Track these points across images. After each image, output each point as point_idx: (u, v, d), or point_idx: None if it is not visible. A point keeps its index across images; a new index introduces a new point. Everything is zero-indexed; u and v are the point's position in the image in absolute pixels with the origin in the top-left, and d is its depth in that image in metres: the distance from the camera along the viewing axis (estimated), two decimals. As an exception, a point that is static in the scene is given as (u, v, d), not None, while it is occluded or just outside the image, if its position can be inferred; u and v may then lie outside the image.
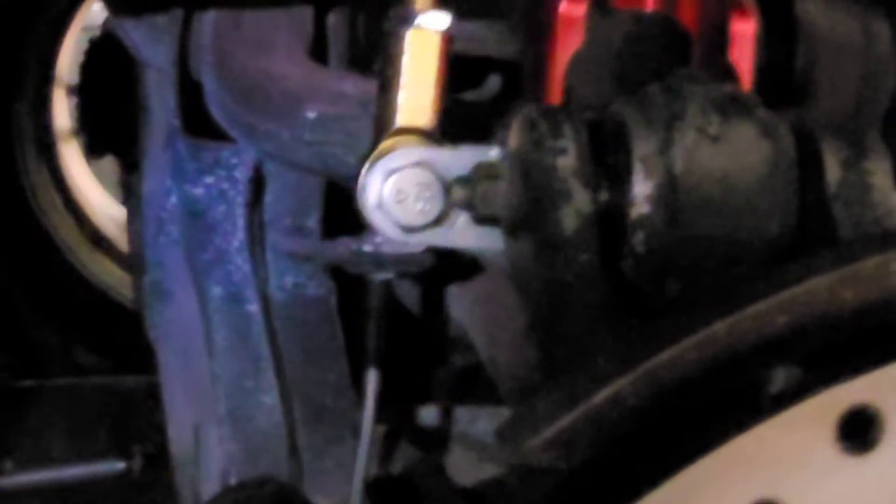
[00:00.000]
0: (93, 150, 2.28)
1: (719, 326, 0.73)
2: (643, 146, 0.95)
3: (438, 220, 1.04)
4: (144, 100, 1.60)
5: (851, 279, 0.73)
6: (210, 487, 1.48)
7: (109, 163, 2.31)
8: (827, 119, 1.18)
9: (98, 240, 2.64)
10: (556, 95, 1.11)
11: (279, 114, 1.28)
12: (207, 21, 1.36)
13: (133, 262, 1.69)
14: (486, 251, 1.08)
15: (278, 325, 1.45)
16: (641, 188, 0.95)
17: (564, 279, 0.95)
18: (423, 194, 1.03)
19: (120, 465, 2.01)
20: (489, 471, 1.06)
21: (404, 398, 1.48)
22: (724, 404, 0.73)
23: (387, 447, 1.49)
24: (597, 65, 1.12)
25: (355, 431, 1.39)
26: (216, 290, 1.45)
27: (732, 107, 0.96)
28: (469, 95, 1.33)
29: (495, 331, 1.30)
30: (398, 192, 1.04)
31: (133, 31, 1.47)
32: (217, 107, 1.34)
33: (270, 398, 1.46)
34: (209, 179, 1.43)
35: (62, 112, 2.65)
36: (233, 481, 1.44)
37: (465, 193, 1.01)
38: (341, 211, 1.26)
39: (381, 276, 1.35)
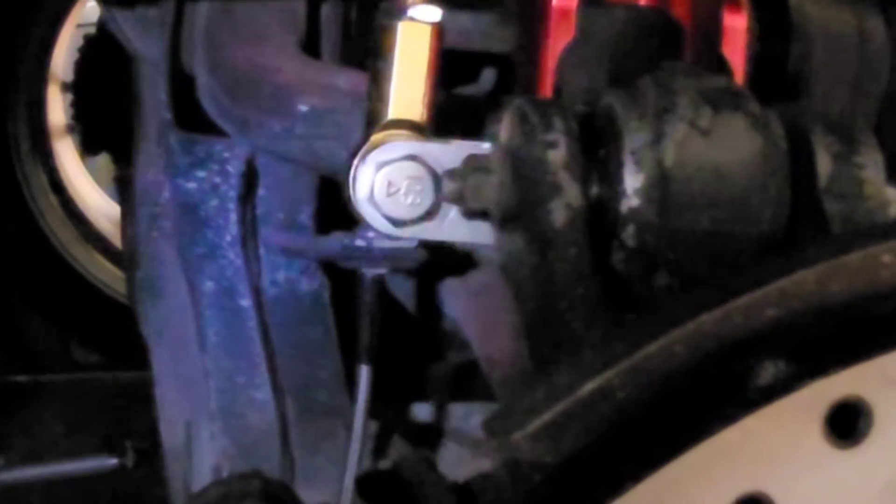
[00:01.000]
0: (88, 148, 2.28)
1: (707, 319, 0.72)
2: (634, 139, 0.95)
3: (429, 214, 1.03)
4: (138, 94, 1.59)
5: (839, 272, 0.72)
6: (202, 483, 1.48)
7: (104, 160, 2.31)
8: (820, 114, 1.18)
9: (93, 237, 2.64)
10: (547, 88, 1.11)
11: (271, 107, 1.28)
12: (199, 14, 1.36)
13: (126, 258, 1.68)
14: (477, 245, 1.07)
15: (271, 320, 1.45)
16: (632, 181, 0.94)
17: (554, 272, 0.95)
18: (413, 187, 1.03)
19: (113, 461, 2.01)
20: (481, 466, 1.05)
21: (398, 395, 1.47)
22: (712, 397, 0.72)
23: (380, 443, 1.48)
24: (589, 58, 1.12)
25: (348, 427, 1.39)
26: (208, 285, 1.45)
27: (723, 100, 0.95)
28: (465, 91, 1.33)
29: (490, 328, 1.30)
30: (389, 184, 1.03)
31: (125, 24, 1.46)
32: (209, 100, 1.34)
33: (263, 393, 1.45)
34: (201, 173, 1.43)
35: (57, 109, 2.65)
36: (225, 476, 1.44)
37: (455, 186, 1.01)
38: (334, 206, 1.26)
39: (373, 271, 1.35)
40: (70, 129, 2.64)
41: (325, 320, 1.45)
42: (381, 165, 1.04)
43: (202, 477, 1.49)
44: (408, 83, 1.07)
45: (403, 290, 1.44)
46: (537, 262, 0.95)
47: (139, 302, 1.62)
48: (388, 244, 1.31)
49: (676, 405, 0.72)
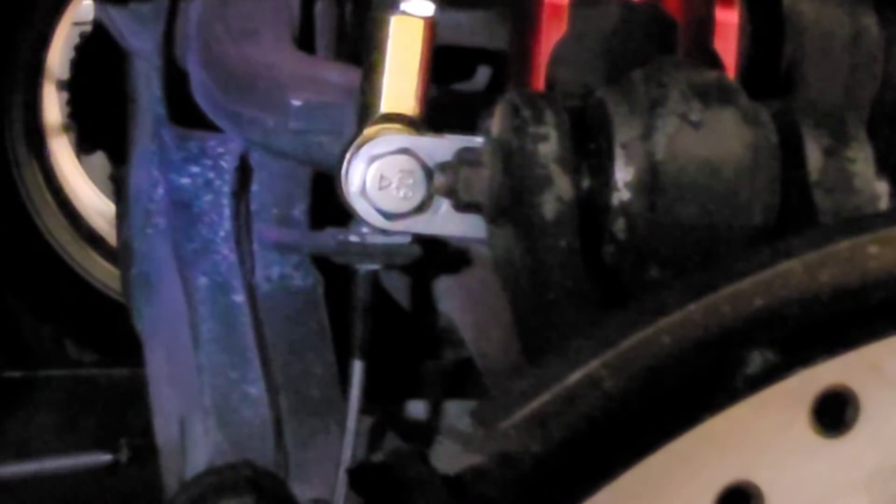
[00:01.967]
0: (83, 146, 2.28)
1: (694, 308, 0.72)
2: (624, 132, 0.95)
3: (421, 207, 1.04)
4: (132, 91, 1.60)
5: (827, 261, 0.73)
6: (195, 478, 1.48)
7: (100, 158, 2.31)
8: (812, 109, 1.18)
9: (88, 235, 2.64)
10: (540, 83, 1.11)
11: (264, 102, 1.28)
12: (193, 9, 1.36)
13: (121, 255, 1.69)
14: (469, 239, 1.07)
15: (264, 315, 1.45)
16: (622, 174, 0.95)
17: (545, 265, 0.95)
18: (405, 181, 1.03)
19: (107, 457, 2.01)
20: (473, 460, 1.05)
21: (393, 392, 1.47)
22: (699, 386, 0.73)
23: (373, 439, 1.48)
24: (581, 53, 1.12)
25: (341, 423, 1.39)
26: (202, 281, 1.45)
27: (714, 94, 0.96)
28: (460, 88, 1.33)
29: (485, 325, 1.30)
30: (381, 178, 1.03)
31: (119, 19, 1.47)
32: (203, 95, 1.34)
33: (256, 389, 1.45)
34: (195, 169, 1.43)
35: (53, 107, 2.65)
36: (218, 472, 1.44)
37: (446, 180, 1.01)
38: (328, 201, 1.26)
39: (367, 267, 1.35)
40: (66, 128, 2.64)
41: (319, 316, 1.45)
42: (373, 159, 1.04)
43: (196, 472, 1.49)
44: (400, 77, 1.07)
45: (398, 287, 1.44)
46: (527, 255, 0.96)
47: (133, 298, 1.62)
48: (381, 240, 1.31)
49: (664, 394, 0.73)
